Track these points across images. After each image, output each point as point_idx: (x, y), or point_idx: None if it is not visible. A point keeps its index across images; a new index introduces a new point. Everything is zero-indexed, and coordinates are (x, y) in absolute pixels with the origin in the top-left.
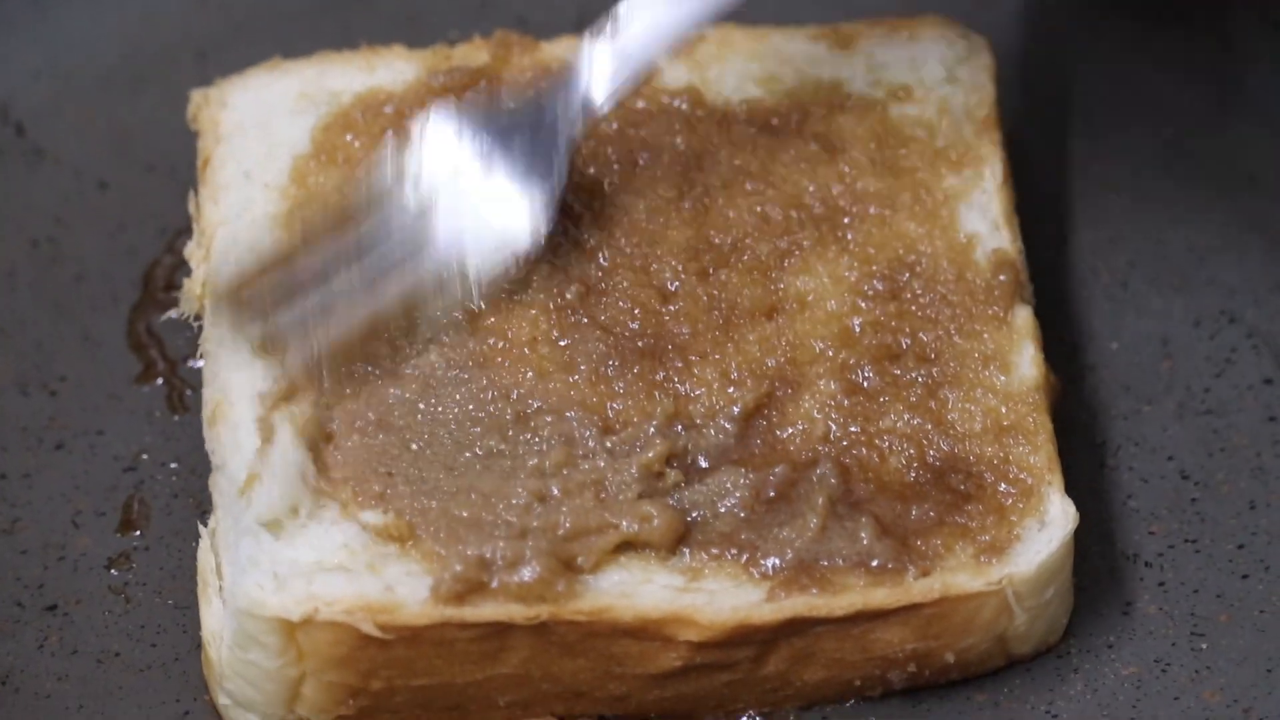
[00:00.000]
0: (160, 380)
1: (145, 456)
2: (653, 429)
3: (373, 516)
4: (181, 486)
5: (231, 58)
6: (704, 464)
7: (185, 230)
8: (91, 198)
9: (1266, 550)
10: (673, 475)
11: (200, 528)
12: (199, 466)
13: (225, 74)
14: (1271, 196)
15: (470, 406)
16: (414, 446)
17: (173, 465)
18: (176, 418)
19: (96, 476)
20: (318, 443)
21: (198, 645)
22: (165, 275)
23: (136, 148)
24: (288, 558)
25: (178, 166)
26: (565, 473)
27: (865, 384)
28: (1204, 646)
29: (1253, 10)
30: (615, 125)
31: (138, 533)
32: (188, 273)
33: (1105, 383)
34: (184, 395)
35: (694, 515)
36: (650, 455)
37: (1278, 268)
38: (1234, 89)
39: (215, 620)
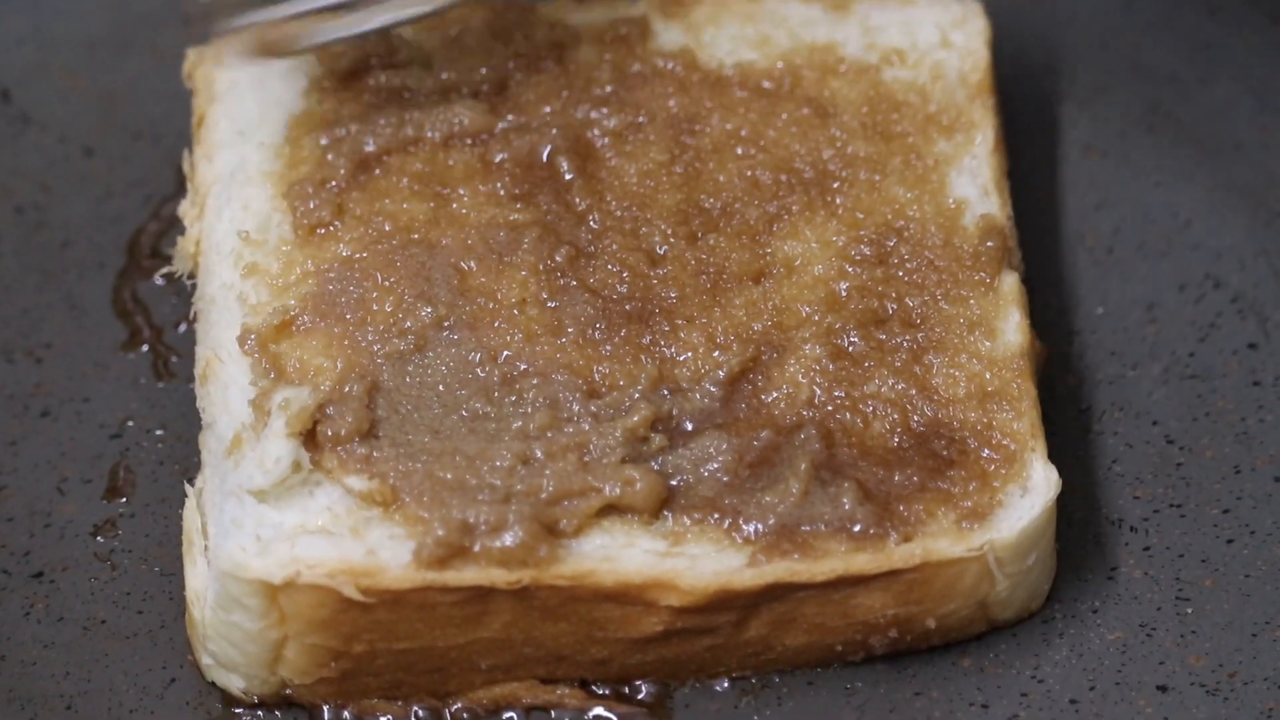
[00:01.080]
0: (145, 347)
1: (131, 423)
2: (638, 393)
3: (357, 481)
4: (167, 453)
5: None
6: (688, 428)
7: (171, 197)
8: (77, 164)
9: (1251, 515)
10: (657, 440)
11: (187, 487)
12: (185, 433)
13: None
14: (1256, 161)
15: (458, 368)
16: (401, 410)
17: (158, 432)
18: (162, 385)
19: (82, 443)
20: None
21: (183, 612)
22: (151, 242)
23: (122, 114)
24: (271, 520)
25: (164, 133)
26: (549, 436)
27: (850, 349)
28: (1189, 611)
29: None
30: (610, 88)
31: (124, 500)
32: (174, 240)
33: (1091, 348)
34: (169, 362)
35: (677, 480)
36: (635, 419)
37: (1262, 232)
38: (1219, 54)
39: (199, 580)
